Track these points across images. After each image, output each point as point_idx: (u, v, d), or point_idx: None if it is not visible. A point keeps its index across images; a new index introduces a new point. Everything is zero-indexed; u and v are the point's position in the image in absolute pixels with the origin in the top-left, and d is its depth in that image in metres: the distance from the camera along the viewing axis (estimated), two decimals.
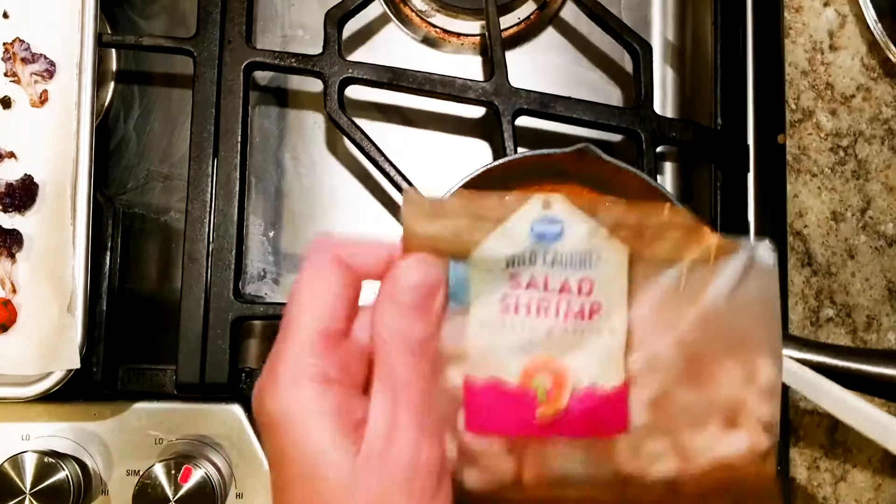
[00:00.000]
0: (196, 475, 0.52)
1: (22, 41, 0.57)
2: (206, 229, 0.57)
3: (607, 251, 0.32)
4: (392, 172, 0.58)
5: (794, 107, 0.64)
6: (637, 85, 0.61)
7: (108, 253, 0.59)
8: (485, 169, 0.52)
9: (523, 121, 0.60)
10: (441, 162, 0.66)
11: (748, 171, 0.62)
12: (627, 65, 0.67)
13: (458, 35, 0.68)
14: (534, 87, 0.60)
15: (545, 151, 0.53)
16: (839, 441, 0.62)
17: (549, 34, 0.69)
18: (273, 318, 0.62)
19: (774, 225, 0.62)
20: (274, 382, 0.32)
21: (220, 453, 0.56)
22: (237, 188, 0.58)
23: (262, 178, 0.66)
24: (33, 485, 0.52)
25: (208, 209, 0.57)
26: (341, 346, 0.32)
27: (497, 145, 0.59)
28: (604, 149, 0.52)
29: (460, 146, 0.67)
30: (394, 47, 0.68)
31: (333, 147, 0.66)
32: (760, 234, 0.62)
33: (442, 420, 0.32)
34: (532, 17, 0.68)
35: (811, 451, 0.62)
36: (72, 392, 0.55)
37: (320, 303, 0.32)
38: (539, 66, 0.68)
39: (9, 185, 0.55)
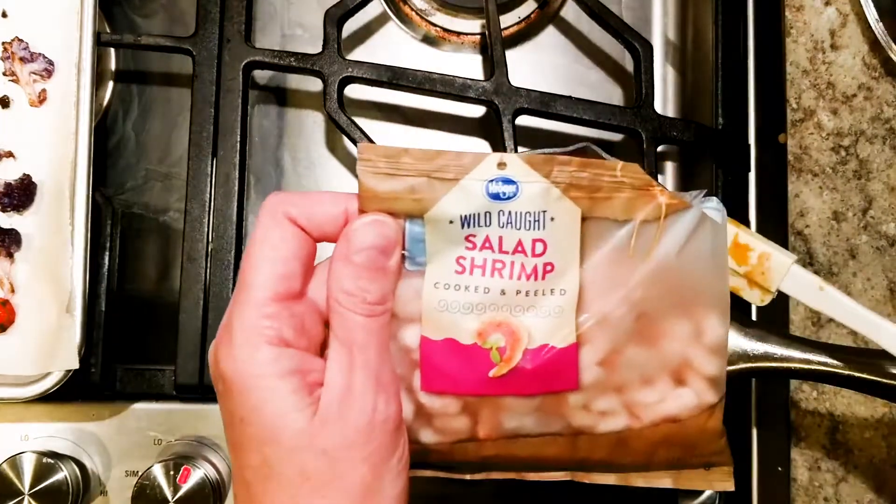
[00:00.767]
0: (195, 476, 0.52)
1: (21, 40, 0.57)
2: (206, 229, 0.57)
3: (561, 212, 0.33)
4: None
5: (795, 106, 0.64)
6: (638, 84, 0.61)
7: (107, 253, 0.59)
8: None
9: (524, 120, 0.60)
10: None
11: (749, 170, 0.62)
12: (628, 64, 0.67)
13: (458, 34, 0.68)
14: (534, 86, 0.60)
15: (545, 151, 0.52)
16: (840, 441, 0.61)
17: (550, 33, 0.68)
18: None
19: (775, 225, 0.62)
20: (230, 344, 0.31)
21: (218, 454, 0.55)
22: (236, 188, 0.58)
23: (261, 178, 0.65)
24: (32, 485, 0.52)
25: (207, 209, 0.57)
26: (297, 306, 0.32)
27: (497, 145, 0.59)
28: (604, 148, 0.51)
29: (460, 145, 0.67)
30: (393, 46, 0.68)
31: (333, 146, 0.66)
32: (761, 233, 0.61)
33: (398, 380, 0.33)
34: (532, 15, 0.68)
35: (812, 451, 0.61)
36: (70, 392, 0.55)
37: (275, 263, 0.32)
38: (539, 65, 0.68)
39: (7, 185, 0.55)
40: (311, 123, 0.66)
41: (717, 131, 0.62)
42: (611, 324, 0.33)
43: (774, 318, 0.61)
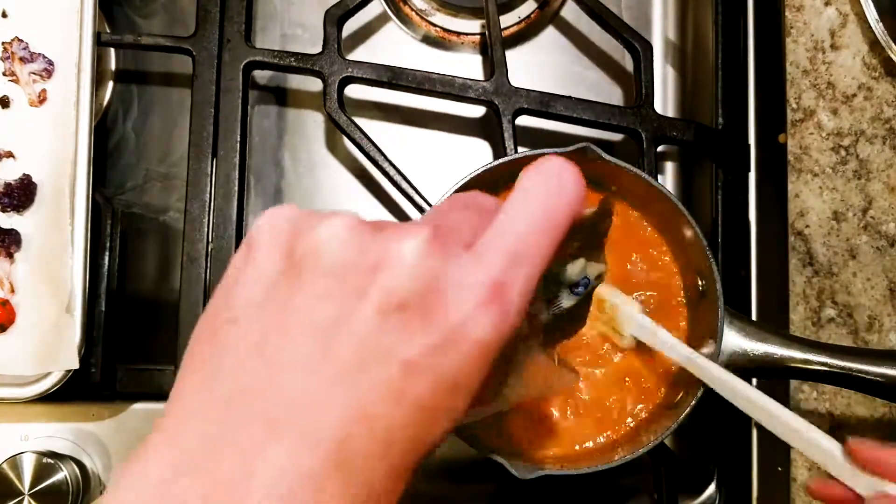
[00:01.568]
0: None
1: (21, 40, 0.57)
2: (206, 229, 0.57)
3: None
4: (392, 172, 0.58)
5: (795, 106, 0.64)
6: (638, 84, 0.61)
7: (107, 253, 0.59)
8: (485, 168, 0.52)
9: (524, 120, 0.60)
10: (441, 161, 0.66)
11: (749, 170, 0.62)
12: (628, 64, 0.67)
13: (458, 34, 0.67)
14: (534, 86, 0.59)
15: (546, 151, 0.52)
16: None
17: (550, 33, 0.68)
18: None
19: (775, 225, 0.62)
20: (507, 302, 0.27)
21: None
22: (236, 188, 0.58)
23: (261, 178, 0.65)
24: (32, 485, 0.52)
25: (207, 209, 0.57)
26: None
27: (497, 145, 0.59)
28: (604, 148, 0.52)
29: (460, 146, 0.67)
30: (393, 46, 0.68)
31: (333, 147, 0.66)
32: (761, 233, 0.62)
33: None
34: (532, 15, 0.68)
35: None
36: (70, 392, 0.54)
37: (557, 239, 0.30)
38: (539, 65, 0.68)
39: (7, 185, 0.55)
40: (312, 123, 0.66)
41: (717, 131, 0.62)
42: None
43: (774, 318, 0.61)
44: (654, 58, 0.63)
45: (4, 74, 0.57)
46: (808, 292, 0.62)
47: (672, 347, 0.50)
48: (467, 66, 0.67)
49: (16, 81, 0.57)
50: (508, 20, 0.67)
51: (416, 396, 0.26)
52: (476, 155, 0.67)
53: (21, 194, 0.55)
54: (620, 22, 0.62)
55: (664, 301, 0.55)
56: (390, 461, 0.27)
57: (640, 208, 0.55)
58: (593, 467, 0.49)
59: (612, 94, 0.68)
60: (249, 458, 0.25)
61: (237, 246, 0.57)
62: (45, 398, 0.53)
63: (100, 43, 0.57)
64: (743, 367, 0.51)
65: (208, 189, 0.57)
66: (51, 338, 0.53)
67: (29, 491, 0.52)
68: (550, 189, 0.29)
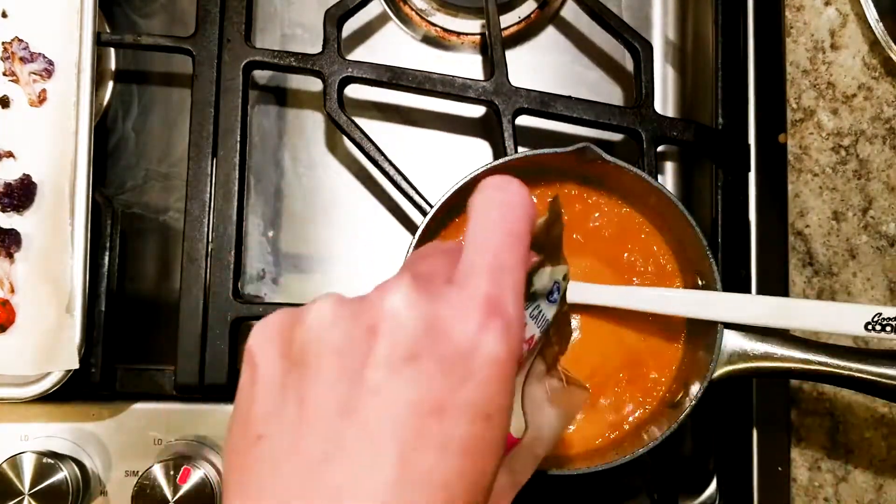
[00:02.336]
0: (195, 476, 0.52)
1: (21, 40, 0.57)
2: (206, 229, 0.57)
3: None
4: (392, 172, 0.58)
5: (795, 106, 0.64)
6: (638, 84, 0.61)
7: (107, 253, 0.59)
8: (485, 168, 0.52)
9: (524, 120, 0.60)
10: (441, 161, 0.66)
11: (749, 170, 0.62)
12: (628, 64, 0.67)
13: (458, 34, 0.67)
14: (534, 86, 0.59)
15: (546, 151, 0.52)
16: (840, 442, 0.61)
17: (550, 33, 0.68)
18: None
19: (775, 224, 0.62)
20: (507, 319, 0.28)
21: (219, 454, 0.55)
22: (236, 188, 0.58)
23: (261, 178, 0.65)
24: (32, 485, 0.52)
25: (207, 209, 0.57)
26: None
27: (497, 145, 0.59)
28: (604, 148, 0.52)
29: (460, 145, 0.67)
30: (393, 46, 0.68)
31: (333, 147, 0.66)
32: (761, 233, 0.62)
33: None
34: (532, 15, 0.68)
35: (812, 451, 0.61)
36: (70, 392, 0.54)
37: (525, 246, 0.30)
38: (539, 65, 0.68)
39: (7, 185, 0.55)
40: (311, 123, 0.66)
41: (717, 131, 0.62)
42: None
43: None
44: (655, 58, 0.63)
45: (4, 74, 0.57)
46: (808, 292, 0.62)
47: (598, 294, 0.51)
48: (467, 66, 0.67)
49: (16, 81, 0.57)
50: (508, 20, 0.67)
51: (459, 438, 0.26)
52: (476, 155, 0.67)
53: (21, 194, 0.55)
54: (620, 22, 0.62)
55: None
56: None
57: (640, 208, 0.55)
58: (593, 467, 0.49)
59: (612, 94, 0.68)
60: None
61: (237, 246, 0.57)
62: (45, 398, 0.53)
63: (100, 43, 0.57)
64: (743, 366, 0.51)
65: (208, 189, 0.57)
66: (51, 338, 0.53)
67: (29, 491, 0.52)
68: (503, 203, 0.30)
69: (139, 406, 0.56)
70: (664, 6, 0.69)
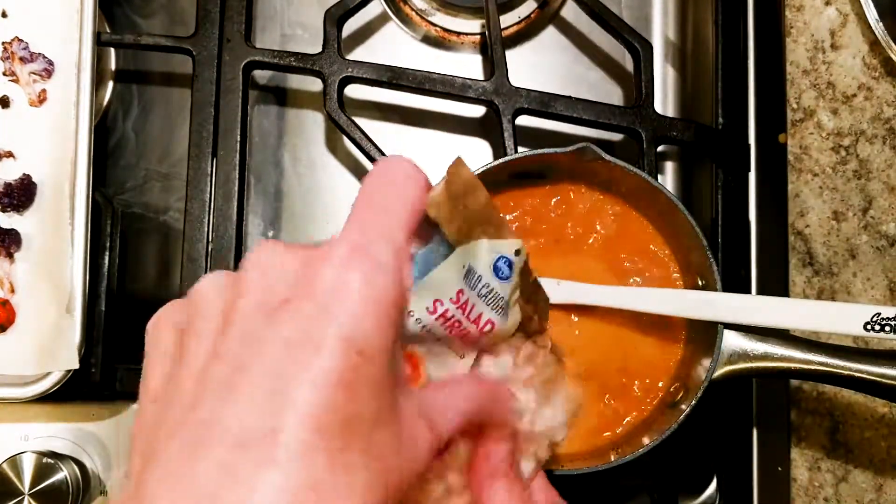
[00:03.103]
0: None
1: (21, 40, 0.57)
2: (206, 229, 0.57)
3: (514, 314, 0.36)
4: None
5: (795, 106, 0.64)
6: (638, 84, 0.61)
7: (107, 253, 0.59)
8: (485, 168, 0.52)
9: (524, 120, 0.60)
10: (441, 161, 0.66)
11: (749, 170, 0.62)
12: (628, 64, 0.67)
13: (458, 34, 0.67)
14: (534, 86, 0.59)
15: (546, 151, 0.52)
16: (840, 442, 0.61)
17: (550, 33, 0.68)
18: None
19: (775, 224, 0.62)
20: (372, 257, 0.29)
21: None
22: (236, 188, 0.58)
23: (261, 178, 0.65)
24: (32, 485, 0.52)
25: (207, 209, 0.57)
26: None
27: (497, 144, 0.59)
28: (604, 148, 0.52)
29: (460, 145, 0.67)
30: (393, 46, 0.68)
31: (333, 146, 0.66)
32: (761, 233, 0.62)
33: None
34: (532, 15, 0.68)
35: (812, 451, 0.61)
36: (70, 392, 0.55)
37: (401, 192, 0.32)
38: (539, 64, 0.68)
39: (7, 185, 0.55)
40: (312, 123, 0.66)
41: (717, 131, 0.62)
42: None
43: None
44: (654, 58, 0.63)
45: (4, 74, 0.57)
46: (808, 292, 0.62)
47: (598, 294, 0.52)
48: (467, 65, 0.67)
49: (16, 81, 0.57)
50: (508, 20, 0.67)
51: (331, 370, 0.26)
52: (476, 155, 0.67)
53: (21, 194, 0.55)
54: (620, 22, 0.62)
55: None
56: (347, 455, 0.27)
57: (640, 208, 0.55)
58: (593, 467, 0.49)
59: (612, 93, 0.68)
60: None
61: (237, 245, 0.57)
62: (45, 398, 0.53)
63: (100, 43, 0.57)
64: (743, 367, 0.51)
65: (208, 189, 0.57)
66: (51, 338, 0.53)
67: (29, 491, 0.52)
68: (375, 171, 0.32)
69: None
70: (664, 6, 0.69)
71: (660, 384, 0.54)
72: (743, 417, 0.60)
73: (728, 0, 0.64)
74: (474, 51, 0.68)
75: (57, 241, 0.54)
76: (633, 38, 0.61)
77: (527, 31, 0.68)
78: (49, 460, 0.52)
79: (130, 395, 0.58)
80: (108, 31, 0.64)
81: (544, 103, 0.59)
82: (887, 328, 0.45)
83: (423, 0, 0.67)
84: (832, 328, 0.48)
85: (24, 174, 0.55)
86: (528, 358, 0.37)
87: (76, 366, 0.52)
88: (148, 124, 0.65)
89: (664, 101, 0.68)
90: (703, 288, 0.52)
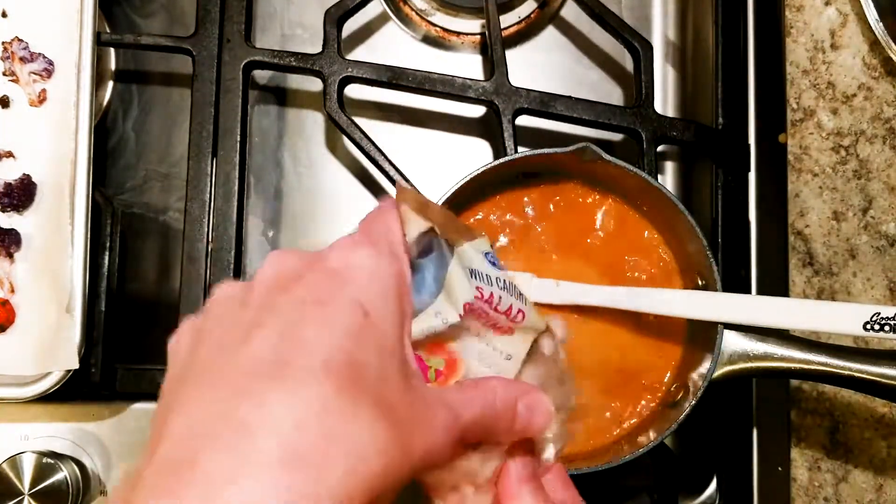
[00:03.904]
0: None
1: (21, 40, 0.57)
2: (206, 229, 0.57)
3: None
4: (392, 172, 0.58)
5: (795, 106, 0.64)
6: (638, 84, 0.61)
7: (107, 253, 0.59)
8: (485, 168, 0.52)
9: (524, 120, 0.60)
10: (441, 161, 0.66)
11: (749, 170, 0.62)
12: (628, 64, 0.67)
13: (458, 34, 0.67)
14: (534, 86, 0.59)
15: (545, 151, 0.52)
16: (840, 441, 0.61)
17: (550, 33, 0.68)
18: None
19: (775, 224, 0.62)
20: (379, 251, 0.32)
21: None
22: (236, 187, 0.58)
23: (261, 178, 0.65)
24: (32, 485, 0.52)
25: (207, 209, 0.57)
26: None
27: (497, 144, 0.59)
28: (604, 148, 0.52)
29: (460, 145, 0.67)
30: (393, 46, 0.68)
31: (333, 146, 0.66)
32: (761, 233, 0.62)
33: None
34: (532, 15, 0.68)
35: (812, 451, 0.61)
36: (70, 392, 0.54)
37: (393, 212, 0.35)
38: (539, 64, 0.68)
39: (7, 185, 0.55)
40: (311, 123, 0.66)
41: (717, 131, 0.62)
42: None
43: None
44: (655, 58, 0.63)
45: (4, 74, 0.57)
46: (808, 292, 0.62)
47: (598, 295, 0.52)
48: (467, 65, 0.67)
49: (16, 81, 0.57)
50: (508, 20, 0.67)
51: (340, 322, 0.29)
52: (476, 155, 0.67)
53: (21, 194, 0.55)
54: (620, 22, 0.62)
55: None
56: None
57: (640, 208, 0.55)
58: (593, 467, 0.49)
59: (612, 93, 0.68)
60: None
61: (237, 246, 0.57)
62: (44, 398, 0.53)
63: (100, 43, 0.57)
64: (743, 367, 0.51)
65: (208, 189, 0.57)
66: (50, 338, 0.53)
67: (29, 491, 0.52)
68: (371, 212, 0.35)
69: (139, 406, 0.56)
70: (664, 6, 0.69)
71: (660, 384, 0.54)
72: (743, 417, 0.60)
73: (728, 0, 0.64)
74: (474, 51, 0.68)
75: (57, 240, 0.54)
76: (634, 38, 0.61)
77: (527, 31, 0.68)
78: (49, 460, 0.52)
79: (130, 395, 0.58)
80: (108, 31, 0.64)
81: (544, 103, 0.59)
82: (887, 328, 0.45)
83: (423, 0, 0.67)
84: (832, 328, 0.48)
85: (24, 174, 0.55)
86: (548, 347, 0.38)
87: (76, 366, 0.52)
88: (148, 124, 0.65)
89: (664, 102, 0.68)
90: (703, 288, 0.52)
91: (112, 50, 0.65)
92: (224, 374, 0.28)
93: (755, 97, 0.63)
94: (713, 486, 0.62)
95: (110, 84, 0.65)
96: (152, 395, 0.57)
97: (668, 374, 0.54)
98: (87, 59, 0.55)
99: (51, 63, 0.56)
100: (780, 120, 0.63)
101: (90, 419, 0.56)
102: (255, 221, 0.65)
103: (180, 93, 0.65)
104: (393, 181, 0.58)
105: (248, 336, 0.29)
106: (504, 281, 0.36)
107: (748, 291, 0.61)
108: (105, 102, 0.65)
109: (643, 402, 0.54)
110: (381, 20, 0.68)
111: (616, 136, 0.65)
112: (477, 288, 0.35)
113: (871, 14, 0.62)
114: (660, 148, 0.60)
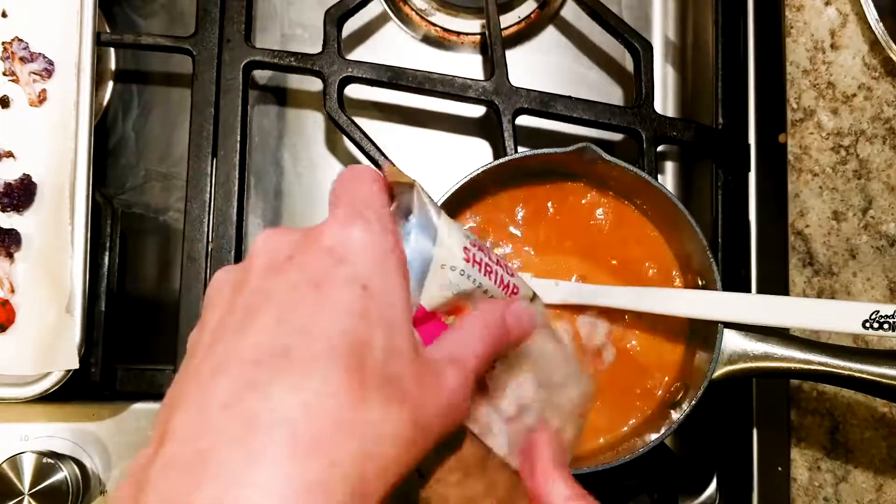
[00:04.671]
0: None
1: (21, 40, 0.57)
2: (206, 229, 0.57)
3: None
4: None
5: (795, 106, 0.64)
6: (638, 84, 0.61)
7: (107, 253, 0.59)
8: (485, 168, 0.52)
9: (524, 120, 0.60)
10: (441, 161, 0.66)
11: (749, 170, 0.62)
12: (628, 64, 0.67)
13: (459, 34, 0.68)
14: (534, 86, 0.60)
15: (546, 151, 0.52)
16: (840, 442, 0.61)
17: (550, 33, 0.68)
18: None
19: (775, 224, 0.62)
20: (368, 223, 0.31)
21: None
22: (236, 187, 0.58)
23: (261, 178, 0.65)
24: (32, 485, 0.52)
25: (207, 209, 0.57)
26: None
27: (497, 145, 0.59)
28: (604, 148, 0.52)
29: (460, 145, 0.67)
30: (393, 46, 0.68)
31: (333, 146, 0.66)
32: (761, 233, 0.62)
33: None
34: (532, 15, 0.68)
35: (812, 451, 0.61)
36: (70, 392, 0.55)
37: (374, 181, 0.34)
38: (539, 64, 0.68)
39: (7, 185, 0.55)
40: (311, 123, 0.66)
41: (717, 131, 0.62)
42: None
43: None
44: (654, 58, 0.63)
45: (4, 74, 0.57)
46: (809, 292, 0.62)
47: (598, 294, 0.52)
48: (467, 65, 0.68)
49: (16, 81, 0.57)
50: (508, 20, 0.67)
51: (336, 299, 0.28)
52: (476, 155, 0.67)
53: (21, 194, 0.55)
54: (620, 22, 0.62)
55: None
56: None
57: (640, 208, 0.55)
58: (593, 467, 0.49)
59: (612, 93, 0.68)
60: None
61: (237, 246, 0.57)
62: (44, 398, 0.53)
63: (100, 43, 0.57)
64: (743, 367, 0.51)
65: (208, 189, 0.57)
66: (51, 338, 0.53)
67: (29, 491, 0.52)
68: (346, 172, 0.34)
69: (139, 406, 0.56)
70: (664, 6, 0.69)
71: (660, 384, 0.54)
72: (743, 417, 0.60)
73: (728, 0, 0.64)
74: (474, 51, 0.68)
75: (57, 240, 0.54)
76: (634, 38, 0.61)
77: (527, 31, 0.68)
78: (49, 460, 0.52)
79: (130, 394, 0.58)
80: (108, 31, 0.64)
81: (544, 103, 0.59)
82: (886, 326, 0.45)
83: (424, 0, 0.67)
84: (831, 326, 0.48)
85: (24, 174, 0.55)
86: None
87: (76, 366, 0.52)
88: (148, 124, 0.65)
89: (664, 101, 0.68)
90: (703, 288, 0.52)
91: (112, 50, 0.65)
92: (225, 366, 0.27)
93: (755, 97, 0.63)
94: (713, 486, 0.62)
95: (110, 84, 0.65)
96: (152, 395, 0.58)
97: (669, 374, 0.54)
98: (87, 59, 0.55)
99: (51, 63, 0.56)
100: (780, 120, 0.63)
101: (90, 419, 0.56)
102: (256, 221, 0.65)
103: (180, 93, 0.65)
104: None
105: (244, 324, 0.28)
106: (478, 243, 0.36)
107: (748, 291, 0.61)
108: (105, 102, 0.65)
109: (643, 403, 0.54)
110: (381, 20, 0.68)
111: (616, 136, 0.65)
112: (469, 239, 0.35)
113: (871, 14, 0.62)
114: (660, 148, 0.60)
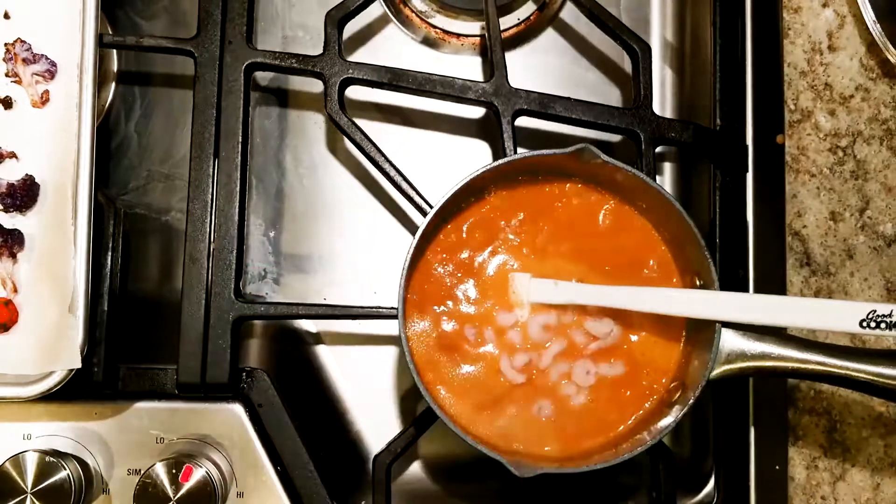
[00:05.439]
0: (197, 474, 0.52)
1: (23, 42, 0.57)
2: (207, 229, 0.57)
3: None
4: (392, 172, 0.59)
5: (792, 107, 0.65)
6: (636, 85, 0.61)
7: (110, 253, 0.59)
8: (485, 169, 0.52)
9: (523, 121, 0.61)
10: (441, 162, 0.67)
11: (747, 171, 0.62)
12: (627, 65, 0.67)
13: (458, 36, 0.68)
14: (533, 87, 0.60)
15: (545, 152, 0.53)
16: (838, 441, 0.62)
17: (549, 35, 0.69)
18: (274, 318, 0.62)
19: (773, 225, 0.62)
20: None
21: (220, 452, 0.56)
22: (238, 188, 0.58)
23: (262, 179, 0.66)
24: (34, 484, 0.52)
25: (209, 209, 0.58)
26: None
27: (497, 146, 0.60)
28: (603, 149, 0.52)
29: (460, 146, 0.67)
30: (394, 48, 0.68)
31: (334, 147, 0.66)
32: (759, 233, 0.62)
33: None
34: (532, 17, 0.68)
35: (810, 450, 0.62)
36: (73, 392, 0.55)
37: None
38: (539, 66, 0.68)
39: (10, 185, 0.55)
40: (312, 124, 0.67)
41: (715, 132, 0.63)
42: None
43: None
44: (653, 59, 0.63)
45: (7, 75, 0.57)
46: (806, 292, 0.63)
47: (597, 294, 0.53)
48: (467, 67, 0.68)
49: (18, 82, 0.57)
50: (508, 22, 0.67)
51: None
52: (476, 156, 0.67)
53: (24, 194, 0.55)
54: (619, 24, 0.62)
55: None
56: None
57: (638, 208, 0.55)
58: (592, 466, 0.50)
59: (610, 95, 0.68)
60: None
61: (238, 246, 0.58)
62: (47, 397, 0.53)
63: (102, 44, 0.58)
64: (740, 366, 0.51)
65: (210, 189, 0.58)
66: (53, 337, 0.53)
67: (31, 489, 0.52)
68: None
69: (141, 405, 0.57)
70: (662, 8, 0.70)
71: (658, 383, 0.54)
72: (741, 416, 0.60)
73: (726, 2, 0.64)
74: (474, 53, 0.68)
75: (60, 241, 0.54)
76: (632, 39, 0.62)
77: (526, 33, 0.68)
78: (51, 459, 0.52)
79: (133, 394, 0.58)
80: (110, 32, 0.64)
81: (543, 105, 0.60)
82: (883, 325, 0.46)
83: (424, 2, 0.68)
84: (828, 325, 0.48)
85: (27, 175, 0.56)
86: None
87: (78, 365, 0.52)
88: (150, 125, 0.66)
89: (662, 103, 0.69)
90: (701, 287, 0.53)
91: (114, 51, 0.65)
92: None
93: (753, 98, 0.63)
94: (711, 484, 0.62)
95: (113, 85, 0.65)
96: (155, 395, 0.58)
97: (667, 374, 0.54)
98: (89, 61, 0.56)
99: (53, 64, 0.57)
100: (777, 121, 0.64)
101: (93, 418, 0.56)
102: (257, 222, 0.65)
103: (182, 94, 0.65)
104: (394, 182, 0.59)
105: None
106: None
107: (746, 291, 0.61)
108: (107, 103, 0.65)
109: (642, 402, 0.54)
110: (381, 22, 0.68)
111: (615, 137, 0.65)
112: None
113: (869, 16, 0.62)
114: (658, 149, 0.61)
